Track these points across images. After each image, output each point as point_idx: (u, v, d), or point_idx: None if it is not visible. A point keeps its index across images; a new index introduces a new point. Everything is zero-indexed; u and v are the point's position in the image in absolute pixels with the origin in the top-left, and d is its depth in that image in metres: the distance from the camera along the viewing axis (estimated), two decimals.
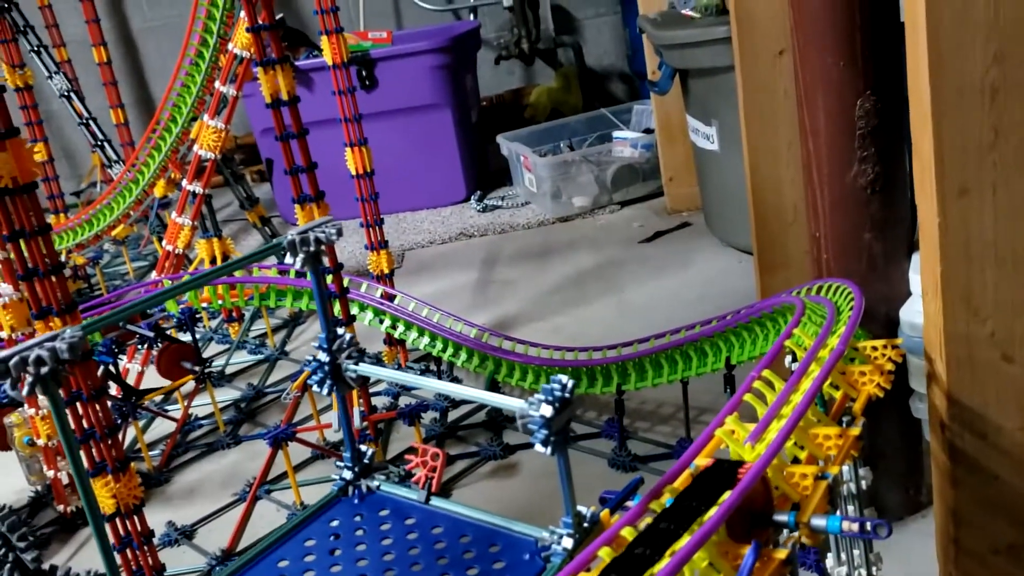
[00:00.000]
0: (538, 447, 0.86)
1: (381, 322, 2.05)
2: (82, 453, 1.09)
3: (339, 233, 1.03)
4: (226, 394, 2.29)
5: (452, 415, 2.03)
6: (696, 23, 2.49)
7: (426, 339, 2.02)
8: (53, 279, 1.24)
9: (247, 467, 1.96)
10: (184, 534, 1.76)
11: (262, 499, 1.83)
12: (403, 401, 2.11)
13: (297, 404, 2.08)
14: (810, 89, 1.36)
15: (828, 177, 1.37)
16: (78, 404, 1.26)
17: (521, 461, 1.84)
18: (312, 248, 1.00)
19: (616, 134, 3.48)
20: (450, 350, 1.99)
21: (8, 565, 0.80)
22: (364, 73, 3.37)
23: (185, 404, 2.10)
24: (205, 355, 2.39)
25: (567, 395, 0.84)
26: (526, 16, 4.29)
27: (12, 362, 0.72)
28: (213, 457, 2.05)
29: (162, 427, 2.19)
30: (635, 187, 3.30)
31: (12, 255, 1.28)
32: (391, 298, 2.09)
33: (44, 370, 0.72)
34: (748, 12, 1.75)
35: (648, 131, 3.37)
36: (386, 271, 2.23)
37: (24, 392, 0.73)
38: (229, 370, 2.43)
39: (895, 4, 1.28)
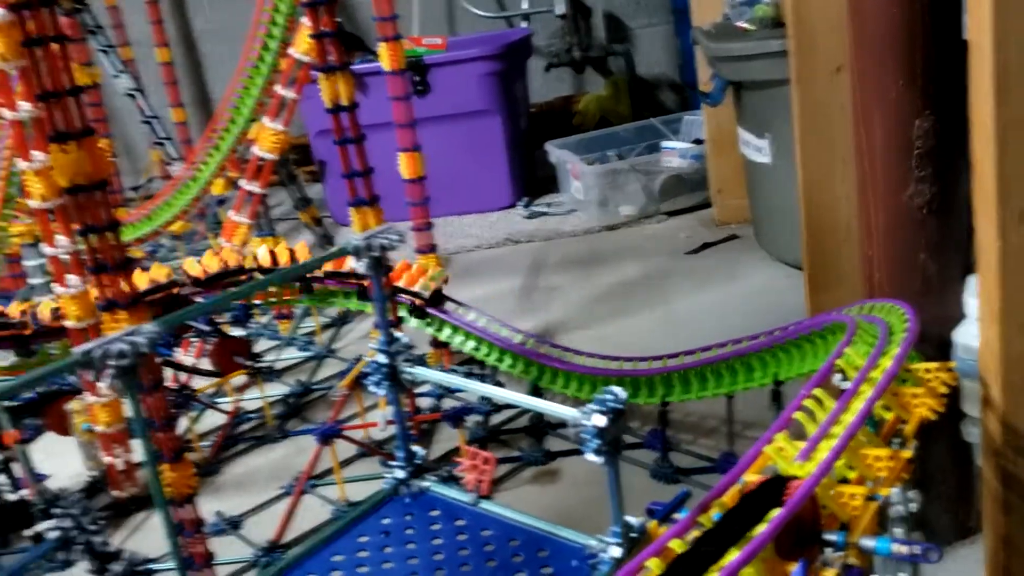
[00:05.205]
0: (589, 456, 0.87)
1: (428, 325, 2.07)
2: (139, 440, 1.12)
3: (401, 240, 1.05)
4: (274, 389, 2.33)
5: (495, 419, 2.05)
6: (751, 35, 2.49)
7: (471, 343, 2.03)
8: (121, 273, 1.28)
9: (294, 461, 2.00)
10: (232, 524, 1.80)
11: (308, 493, 1.86)
12: (446, 403, 2.13)
13: (345, 402, 2.12)
14: (867, 107, 1.36)
15: (883, 196, 1.36)
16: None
17: (562, 468, 1.86)
18: (376, 253, 1.03)
19: (665, 144, 3.48)
20: (495, 355, 2.01)
21: (79, 547, 0.84)
22: (417, 78, 3.41)
23: (236, 398, 2.14)
24: (256, 350, 2.43)
25: (620, 406, 0.86)
26: (578, 24, 4.30)
27: (96, 354, 0.75)
28: (261, 450, 2.09)
29: (212, 419, 2.24)
30: (683, 197, 3.29)
31: (84, 248, 1.33)
32: None
33: (125, 362, 0.76)
34: (806, 28, 1.75)
35: (697, 142, 3.37)
36: None
37: (106, 383, 0.76)
38: (278, 366, 2.48)
39: (957, 22, 1.28)
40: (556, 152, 3.52)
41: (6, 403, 1.85)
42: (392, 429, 1.92)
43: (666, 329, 2.42)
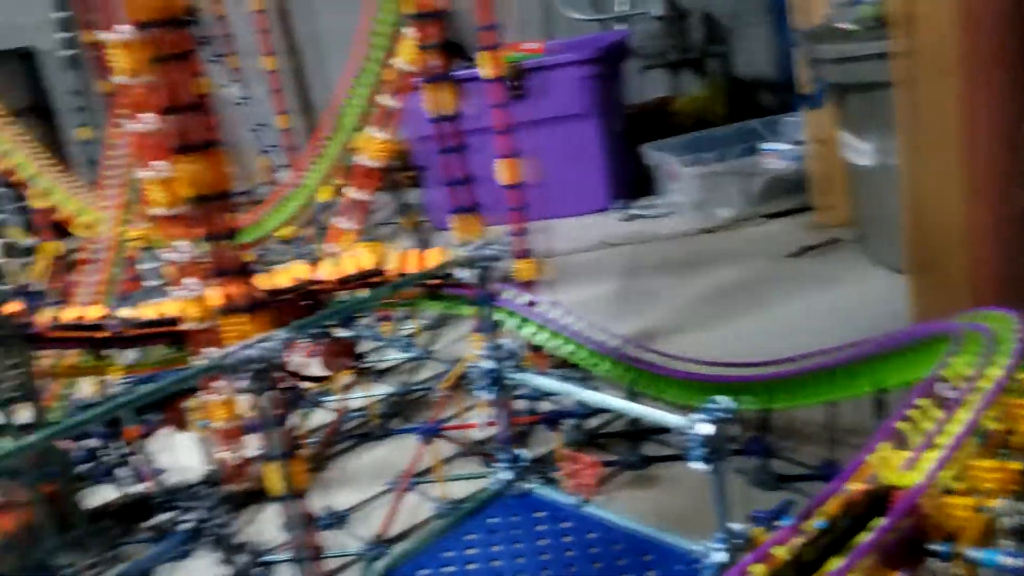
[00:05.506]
0: (694, 464, 0.89)
1: (525, 329, 2.10)
2: (263, 438, 1.19)
3: (508, 252, 1.09)
4: (376, 389, 2.40)
5: (590, 423, 2.07)
6: (855, 37, 2.45)
7: (569, 347, 2.05)
8: (241, 278, 1.35)
9: (396, 459, 2.06)
10: (339, 518, 1.87)
11: (410, 491, 1.91)
12: (542, 406, 2.16)
13: (446, 402, 2.17)
14: (976, 108, 1.34)
15: (991, 200, 1.34)
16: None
17: (659, 474, 1.87)
18: (484, 264, 1.07)
19: (764, 146, 3.44)
20: (592, 359, 2.02)
21: (209, 537, 0.90)
22: (515, 83, 3.46)
23: (341, 397, 2.22)
24: (359, 351, 2.51)
25: (728, 415, 0.88)
26: (675, 25, 4.29)
27: (232, 360, 0.81)
28: (365, 448, 2.16)
29: (317, 417, 2.31)
30: (782, 200, 3.25)
31: (204, 253, 1.41)
32: (534, 305, 2.14)
33: (259, 367, 0.81)
34: (913, 29, 1.72)
35: (798, 143, 3.32)
36: (530, 279, 2.29)
37: (242, 387, 0.82)
38: (380, 366, 2.55)
39: None
40: (653, 154, 3.51)
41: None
42: (490, 430, 1.97)
43: (765, 335, 2.40)
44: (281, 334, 0.85)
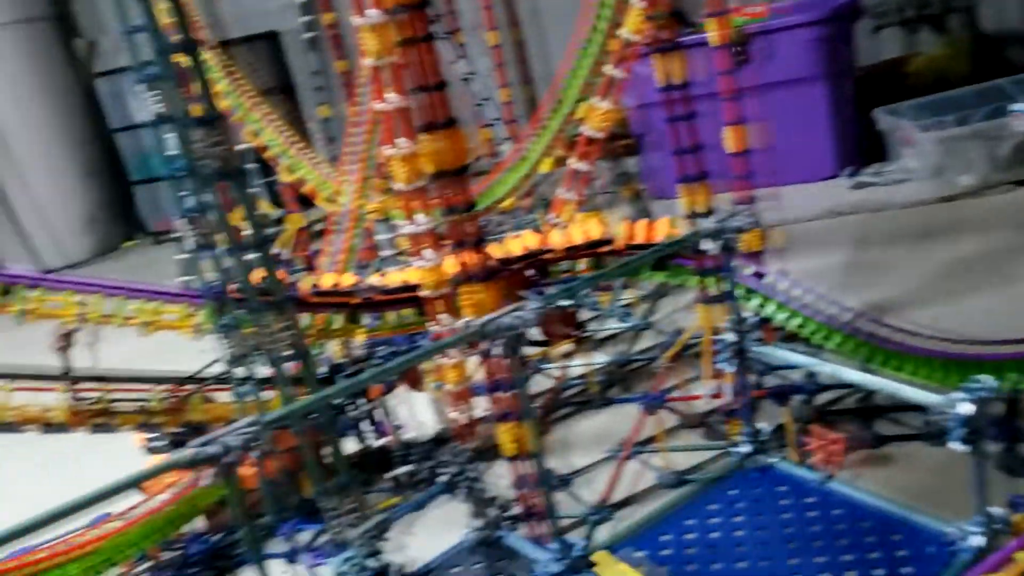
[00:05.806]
0: (953, 445, 0.86)
1: (752, 301, 2.06)
2: (500, 400, 1.25)
3: (755, 223, 1.08)
4: (596, 357, 2.44)
5: (820, 399, 2.01)
6: None
7: (798, 320, 2.00)
8: (478, 249, 1.42)
9: (616, 427, 2.09)
10: (563, 481, 1.93)
11: (631, 458, 1.94)
12: (767, 381, 2.11)
13: (668, 373, 2.17)
14: None
15: None
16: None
17: (892, 452, 1.79)
18: (730, 235, 1.07)
19: (1014, 106, 3.16)
20: (822, 333, 1.96)
21: (463, 489, 0.97)
22: (739, 48, 3.36)
23: (562, 364, 2.28)
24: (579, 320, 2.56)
25: (991, 395, 0.84)
26: None
27: (491, 328, 0.87)
28: (585, 415, 2.21)
29: (536, 384, 2.38)
30: None
31: (442, 225, 1.49)
32: (761, 277, 2.09)
33: (512, 334, 0.87)
34: None
35: None
36: (757, 249, 2.24)
37: (499, 353, 0.87)
38: (599, 336, 2.59)
39: None
40: (886, 118, 3.32)
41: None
42: (714, 403, 1.97)
43: (1012, 311, 2.23)
44: (533, 304, 0.89)
